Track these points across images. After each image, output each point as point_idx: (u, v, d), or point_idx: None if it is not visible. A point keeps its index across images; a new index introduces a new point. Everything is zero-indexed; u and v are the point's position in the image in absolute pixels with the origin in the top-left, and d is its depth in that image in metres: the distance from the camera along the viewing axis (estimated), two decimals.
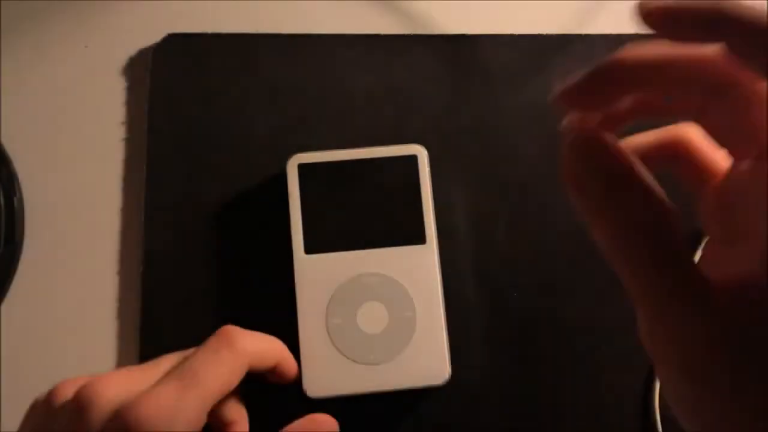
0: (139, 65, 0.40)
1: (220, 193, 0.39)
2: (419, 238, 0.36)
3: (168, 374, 0.29)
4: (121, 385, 0.28)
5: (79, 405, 0.27)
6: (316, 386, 0.34)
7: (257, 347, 0.31)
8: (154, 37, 0.40)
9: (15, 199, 0.38)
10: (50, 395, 0.29)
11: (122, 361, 0.37)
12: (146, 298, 0.37)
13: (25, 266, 0.38)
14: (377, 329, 0.35)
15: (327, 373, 0.35)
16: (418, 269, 0.35)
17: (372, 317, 0.35)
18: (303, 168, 0.37)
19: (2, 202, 0.37)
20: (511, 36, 0.41)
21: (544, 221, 0.39)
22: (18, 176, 0.39)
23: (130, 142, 0.40)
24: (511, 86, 0.40)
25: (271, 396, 0.36)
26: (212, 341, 0.30)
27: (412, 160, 0.37)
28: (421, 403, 0.36)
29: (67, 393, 0.29)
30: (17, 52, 0.40)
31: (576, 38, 0.41)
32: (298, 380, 0.34)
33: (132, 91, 0.40)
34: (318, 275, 0.36)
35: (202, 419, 0.28)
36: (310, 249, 0.36)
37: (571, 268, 0.38)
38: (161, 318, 0.37)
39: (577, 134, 0.22)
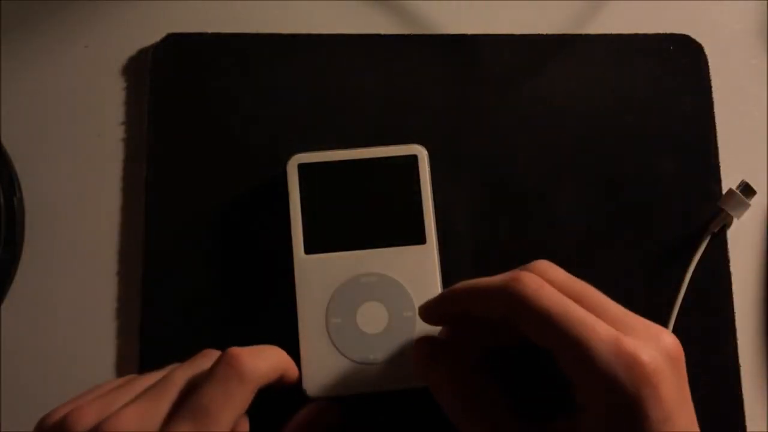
0: (139, 65, 0.40)
1: (220, 193, 0.39)
2: (419, 238, 0.36)
3: (180, 411, 0.28)
4: (134, 423, 0.28)
5: None
6: (315, 386, 0.34)
7: (265, 368, 0.30)
8: (154, 37, 0.40)
9: (15, 199, 0.38)
10: (65, 424, 0.28)
11: (122, 362, 0.37)
12: (146, 298, 0.37)
13: (25, 266, 0.38)
14: (377, 329, 0.35)
15: (327, 373, 0.35)
16: (418, 269, 0.35)
17: (372, 317, 0.35)
18: (303, 168, 0.37)
19: (2, 202, 0.37)
20: (511, 36, 0.41)
21: (544, 221, 0.39)
22: (18, 176, 0.39)
23: (130, 142, 0.40)
24: (511, 86, 0.40)
25: (270, 396, 0.36)
26: (220, 371, 0.29)
27: (413, 160, 0.37)
28: (421, 404, 0.36)
29: (84, 423, 0.28)
30: (17, 52, 0.40)
31: (576, 38, 0.41)
32: (297, 380, 0.34)
33: (132, 91, 0.40)
34: (318, 275, 0.36)
35: None
36: (310, 249, 0.36)
37: (571, 268, 0.38)
38: (161, 318, 0.37)
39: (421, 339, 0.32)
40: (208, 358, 0.31)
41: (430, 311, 0.32)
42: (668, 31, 0.41)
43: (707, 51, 0.41)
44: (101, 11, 0.41)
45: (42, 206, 0.39)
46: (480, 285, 0.30)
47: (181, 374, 0.30)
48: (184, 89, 0.40)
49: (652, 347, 0.28)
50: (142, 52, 0.41)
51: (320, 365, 0.35)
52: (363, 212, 0.36)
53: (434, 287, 0.35)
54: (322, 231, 0.36)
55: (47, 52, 0.41)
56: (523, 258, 0.38)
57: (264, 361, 0.31)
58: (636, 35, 0.41)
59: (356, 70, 0.40)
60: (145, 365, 0.36)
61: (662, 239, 0.39)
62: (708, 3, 0.43)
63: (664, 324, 0.37)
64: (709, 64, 0.41)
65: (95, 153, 0.39)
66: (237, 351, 0.30)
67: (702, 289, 0.38)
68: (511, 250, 0.38)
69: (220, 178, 0.39)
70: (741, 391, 0.37)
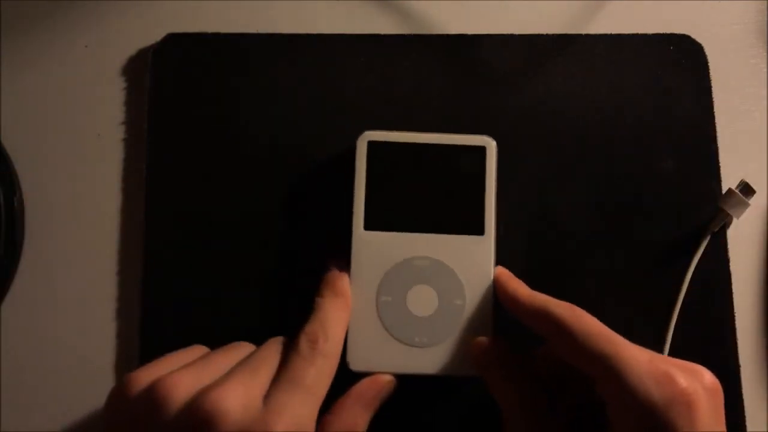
0: (139, 65, 0.40)
1: (220, 193, 0.39)
2: (478, 229, 0.36)
3: (279, 384, 0.29)
4: (239, 395, 0.27)
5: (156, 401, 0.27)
6: (358, 360, 0.34)
7: (341, 333, 0.32)
8: (154, 37, 0.40)
9: (15, 199, 0.38)
10: (157, 392, 0.27)
11: (122, 362, 0.37)
12: (146, 298, 0.37)
13: (25, 266, 0.38)
14: (425, 312, 0.35)
15: (371, 348, 0.35)
16: (473, 259, 0.35)
17: (421, 300, 0.35)
18: (372, 145, 0.36)
19: (2, 202, 0.37)
20: (511, 36, 0.41)
21: (543, 221, 0.39)
22: (18, 176, 0.39)
23: (130, 142, 0.40)
24: (511, 86, 0.40)
25: None
26: (303, 343, 0.30)
27: (481, 151, 0.37)
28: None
29: (179, 393, 0.27)
30: (17, 52, 0.40)
31: (576, 38, 0.41)
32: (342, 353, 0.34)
33: (132, 91, 0.40)
34: (374, 252, 0.35)
35: None
36: (369, 225, 0.36)
37: (571, 268, 0.38)
38: (161, 318, 0.37)
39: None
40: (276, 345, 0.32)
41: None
42: (668, 31, 0.41)
43: (707, 51, 0.41)
44: (101, 11, 0.41)
45: (42, 206, 0.39)
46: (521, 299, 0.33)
47: (274, 348, 0.31)
48: (184, 89, 0.40)
49: (690, 376, 0.27)
50: (142, 52, 0.41)
51: (365, 340, 0.35)
52: (425, 196, 0.36)
53: (487, 279, 0.35)
54: (383, 209, 0.36)
55: (47, 52, 0.41)
56: (522, 258, 0.38)
57: (339, 328, 0.33)
58: (636, 35, 0.41)
59: (356, 70, 0.40)
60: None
61: (662, 239, 0.39)
62: (708, 3, 0.43)
63: (665, 323, 0.37)
64: (709, 64, 0.41)
65: (95, 153, 0.40)
66: (313, 329, 0.31)
67: (702, 289, 0.38)
68: (511, 250, 0.38)
69: (220, 178, 0.39)
70: (741, 391, 0.37)
